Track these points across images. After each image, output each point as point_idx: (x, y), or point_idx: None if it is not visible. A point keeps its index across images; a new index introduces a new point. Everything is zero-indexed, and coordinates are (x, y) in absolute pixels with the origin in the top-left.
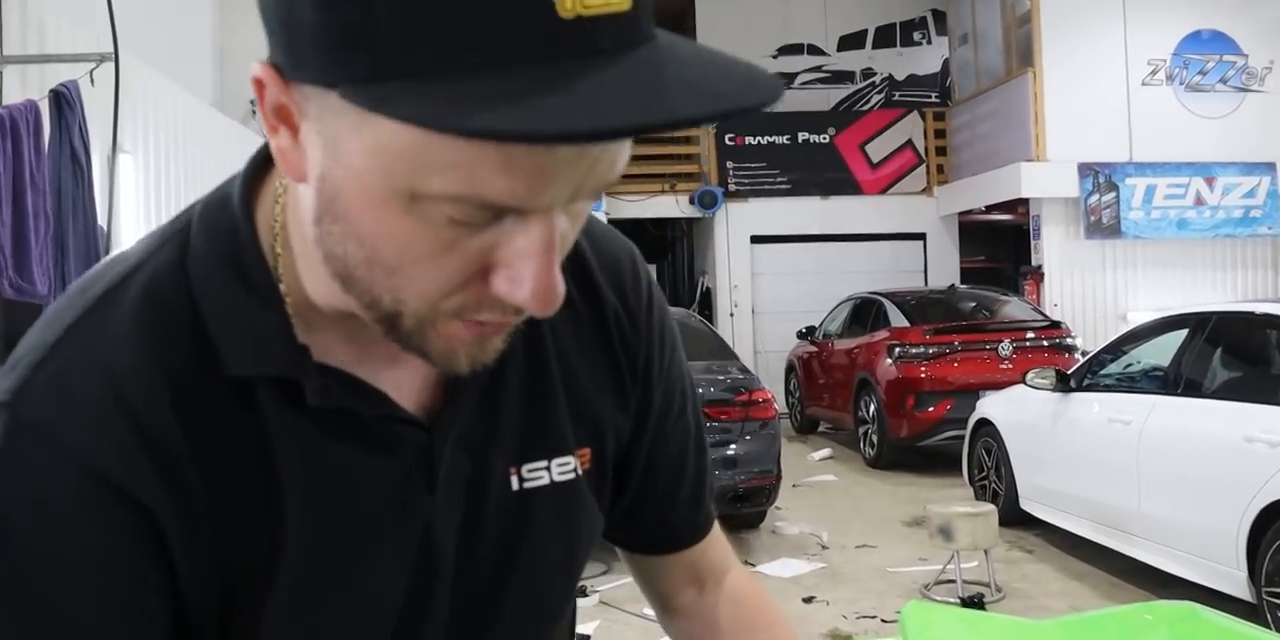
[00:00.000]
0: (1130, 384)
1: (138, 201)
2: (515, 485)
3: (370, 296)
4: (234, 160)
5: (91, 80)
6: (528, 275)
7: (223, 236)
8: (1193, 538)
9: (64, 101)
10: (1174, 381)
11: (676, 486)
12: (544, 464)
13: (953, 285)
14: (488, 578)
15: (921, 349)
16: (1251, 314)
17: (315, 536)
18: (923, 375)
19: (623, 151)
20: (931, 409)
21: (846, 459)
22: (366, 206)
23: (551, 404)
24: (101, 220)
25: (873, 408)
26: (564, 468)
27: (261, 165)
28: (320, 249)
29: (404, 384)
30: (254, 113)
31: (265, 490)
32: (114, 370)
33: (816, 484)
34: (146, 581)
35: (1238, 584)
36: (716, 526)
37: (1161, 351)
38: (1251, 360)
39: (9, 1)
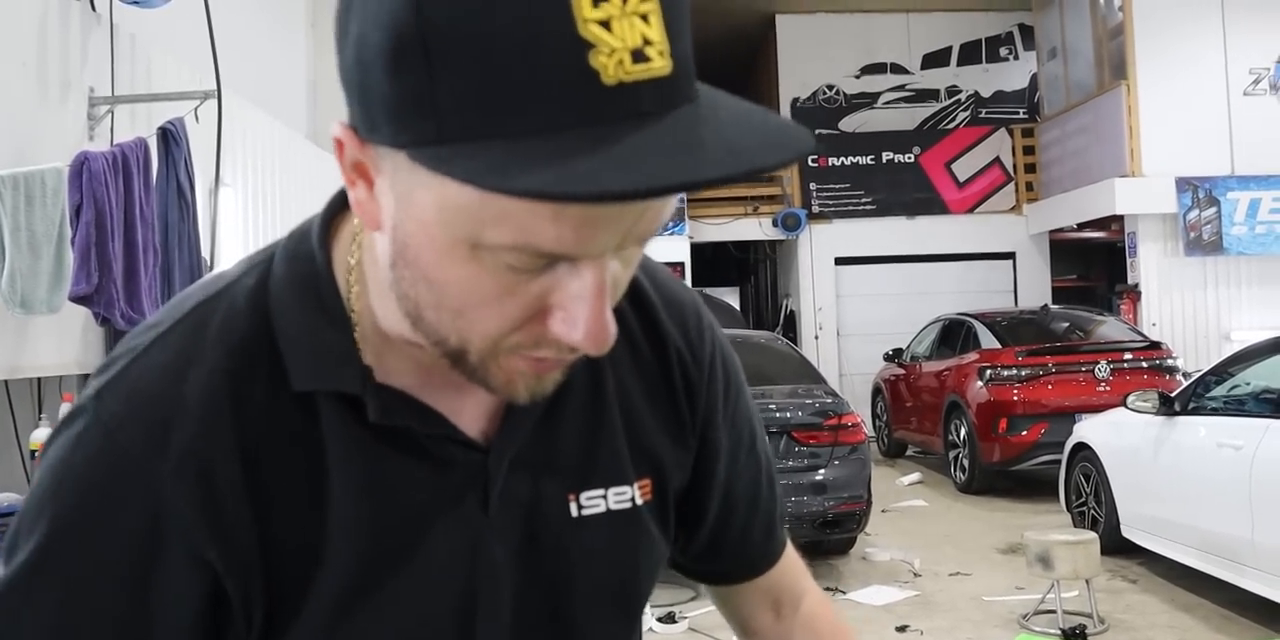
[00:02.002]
0: (1239, 407)
1: (237, 232)
2: (574, 512)
3: (438, 335)
4: (326, 188)
5: (196, 117)
6: (581, 318)
7: (301, 263)
8: None
9: (171, 138)
10: None
11: (751, 519)
12: (601, 492)
13: (1045, 305)
14: (546, 600)
15: (1014, 371)
16: None
17: (364, 544)
18: (1015, 398)
19: (668, 203)
20: (1025, 433)
21: (936, 484)
22: (434, 254)
23: (609, 435)
24: (205, 251)
25: (963, 431)
26: (620, 497)
27: (338, 206)
28: (395, 290)
29: (465, 410)
30: None
31: (315, 502)
32: (184, 380)
33: (906, 509)
34: (167, 580)
35: None
36: (791, 549)
37: (1273, 373)
38: None
39: (121, 44)
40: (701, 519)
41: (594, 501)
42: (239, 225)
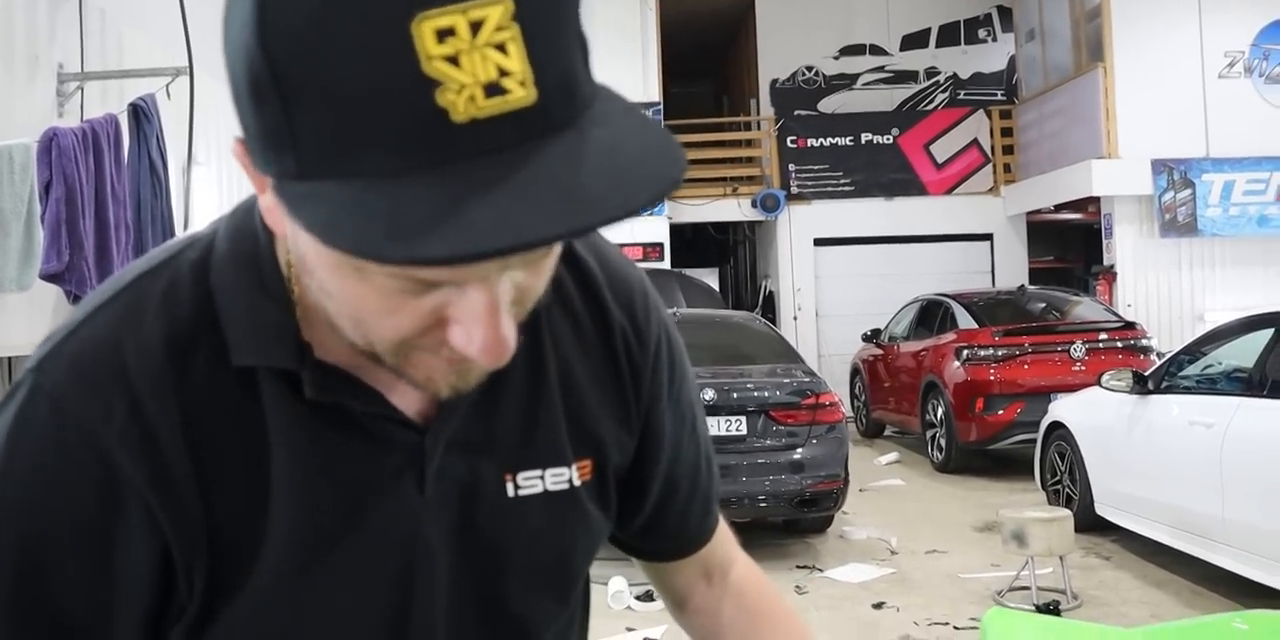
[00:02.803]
0: (1211, 386)
1: (212, 211)
2: (510, 492)
3: (349, 336)
4: None
5: (168, 94)
6: (476, 335)
7: (244, 240)
8: None
9: (142, 114)
10: (1259, 382)
11: (691, 500)
12: (538, 473)
13: (1022, 286)
14: (480, 580)
15: (991, 351)
16: None
17: (302, 519)
18: (992, 378)
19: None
20: (1001, 412)
21: (914, 463)
22: (325, 269)
23: (549, 416)
24: (178, 230)
25: (940, 411)
26: (558, 478)
27: None
28: (308, 297)
29: (407, 392)
30: None
31: (256, 475)
32: (124, 349)
33: (884, 488)
34: (125, 545)
35: None
36: (722, 521)
37: (1244, 352)
38: None
39: (90, 20)
40: (643, 500)
41: (531, 482)
42: (214, 204)
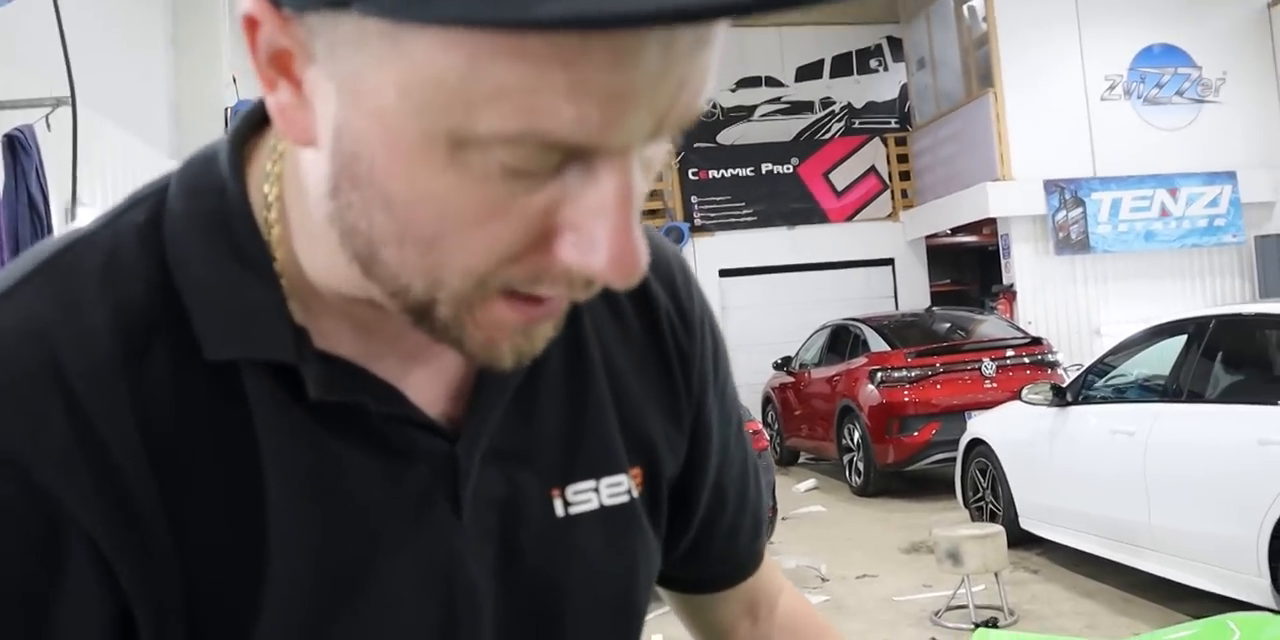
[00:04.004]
0: (1129, 395)
1: None
2: (559, 511)
3: (398, 281)
4: None
5: (48, 125)
6: (602, 236)
7: (208, 197)
8: (1209, 547)
9: (19, 146)
10: (1176, 389)
11: (740, 513)
12: (592, 484)
13: (929, 308)
14: (533, 621)
15: (904, 372)
16: (1242, 315)
17: (310, 559)
18: (907, 399)
19: (710, 73)
20: (917, 433)
21: (833, 489)
22: (397, 161)
23: (598, 415)
24: None
25: (857, 435)
26: (615, 489)
27: (249, 128)
28: (337, 226)
29: (420, 386)
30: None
31: (245, 502)
32: (55, 343)
33: (806, 515)
34: (69, 613)
35: (1260, 592)
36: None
37: (1157, 361)
38: (1256, 362)
39: None
40: (690, 514)
41: (584, 497)
42: None
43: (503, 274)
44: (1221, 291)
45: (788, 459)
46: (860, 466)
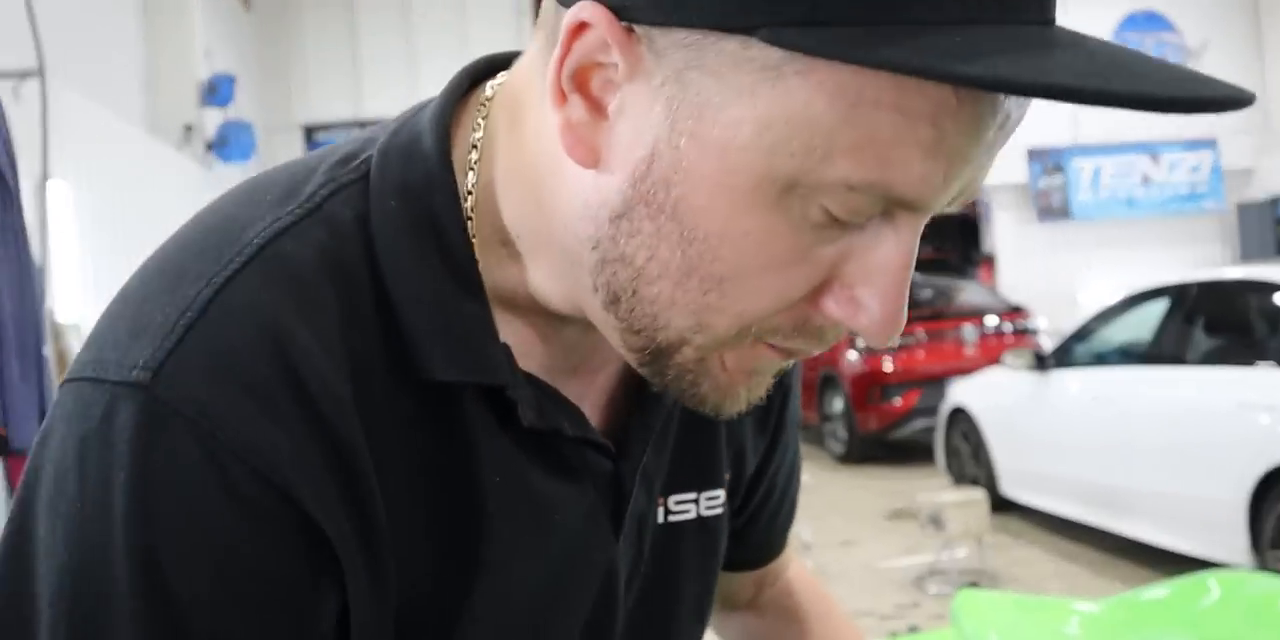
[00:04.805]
0: (1110, 360)
1: (73, 232)
2: (661, 518)
3: (653, 319)
4: (172, 189)
5: (15, 95)
6: (880, 294)
7: (418, 197)
8: (1189, 509)
9: None
10: (1157, 353)
11: (783, 500)
12: (693, 497)
13: None
14: (650, 625)
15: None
16: (1224, 280)
17: (511, 581)
18: (889, 367)
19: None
20: (899, 400)
21: (815, 457)
22: (720, 197)
23: (711, 429)
24: (34, 246)
25: (839, 403)
26: (712, 502)
27: (454, 105)
28: (601, 252)
29: (587, 399)
30: (187, 139)
31: (465, 522)
32: (289, 345)
33: None
34: (311, 612)
35: (1239, 553)
36: None
37: (1138, 326)
38: (1237, 326)
39: None
40: (746, 506)
41: (684, 507)
42: (76, 223)
43: (770, 321)
44: (1202, 258)
45: None
46: (842, 435)
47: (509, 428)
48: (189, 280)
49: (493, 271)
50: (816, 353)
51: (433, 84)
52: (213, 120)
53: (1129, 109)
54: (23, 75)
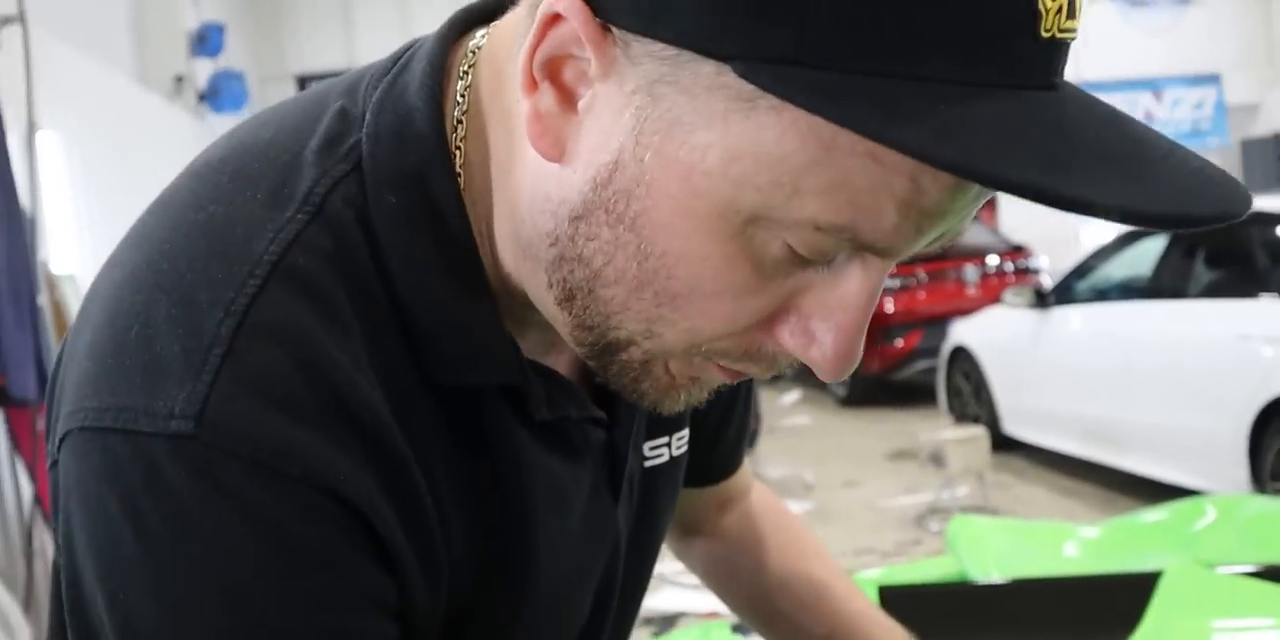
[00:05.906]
0: (1110, 296)
1: (64, 181)
2: (643, 464)
3: (605, 319)
4: (166, 140)
5: None
6: (836, 330)
7: (414, 185)
8: (1189, 442)
9: None
10: (1157, 287)
11: (745, 411)
12: (665, 440)
13: None
14: (640, 571)
15: (888, 281)
16: None
17: (543, 568)
18: (890, 308)
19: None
20: (901, 341)
21: (817, 400)
22: (682, 219)
23: None
24: (23, 196)
25: None
26: (681, 440)
27: (439, 78)
28: (558, 249)
29: (569, 372)
30: (178, 90)
31: (502, 521)
32: (326, 367)
33: (791, 427)
34: (388, 611)
35: (1240, 485)
36: None
37: (1139, 262)
38: (1237, 258)
39: None
40: (702, 429)
41: (658, 451)
42: (69, 175)
43: (720, 343)
44: None
45: None
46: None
47: (524, 419)
48: (203, 308)
49: (485, 253)
50: (766, 377)
51: (425, 31)
52: (204, 71)
53: (1105, 220)
54: (3, 21)
